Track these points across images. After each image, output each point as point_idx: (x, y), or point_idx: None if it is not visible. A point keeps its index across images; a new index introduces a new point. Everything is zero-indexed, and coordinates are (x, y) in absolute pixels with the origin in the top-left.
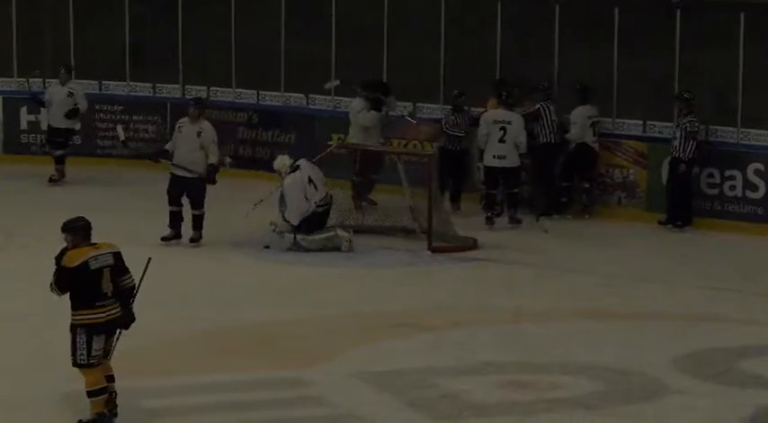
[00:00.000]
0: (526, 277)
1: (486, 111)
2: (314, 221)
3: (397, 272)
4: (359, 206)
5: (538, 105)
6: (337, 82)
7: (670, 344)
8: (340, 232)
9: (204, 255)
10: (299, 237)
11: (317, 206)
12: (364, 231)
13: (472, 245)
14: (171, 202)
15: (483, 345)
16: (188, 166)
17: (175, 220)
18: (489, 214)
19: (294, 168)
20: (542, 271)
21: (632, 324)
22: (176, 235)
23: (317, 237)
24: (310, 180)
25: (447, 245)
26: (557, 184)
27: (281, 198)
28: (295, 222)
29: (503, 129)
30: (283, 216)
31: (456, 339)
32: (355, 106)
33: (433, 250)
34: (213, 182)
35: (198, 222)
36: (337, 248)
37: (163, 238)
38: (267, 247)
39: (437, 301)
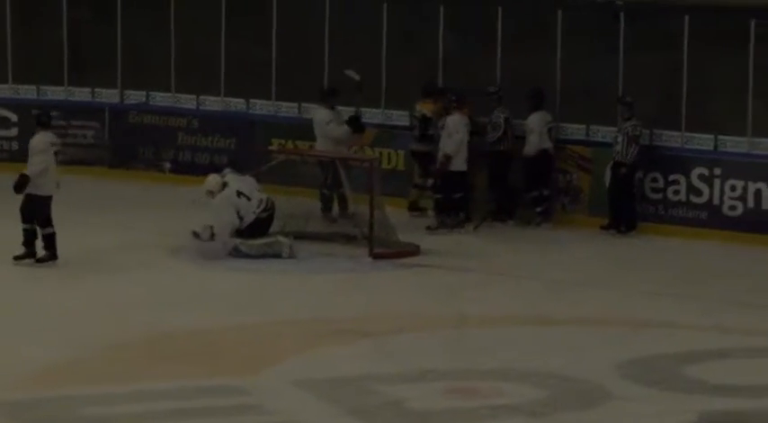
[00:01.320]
0: (470, 283)
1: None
2: (257, 227)
3: (338, 278)
4: (331, 219)
5: (496, 112)
6: (357, 77)
7: (614, 350)
8: (281, 238)
9: (144, 261)
10: (239, 241)
11: (261, 212)
12: (306, 238)
13: (414, 251)
14: (23, 220)
15: (426, 351)
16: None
17: (28, 238)
18: (460, 219)
19: (222, 186)
20: (486, 276)
21: (577, 330)
22: (30, 254)
23: (257, 242)
24: (240, 193)
25: (389, 251)
26: (525, 195)
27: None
28: (225, 238)
29: (470, 133)
30: (212, 229)
31: (399, 346)
32: (323, 117)
33: (375, 256)
34: (16, 191)
35: (47, 242)
36: (278, 255)
37: (15, 258)
38: (195, 234)
39: (379, 308)
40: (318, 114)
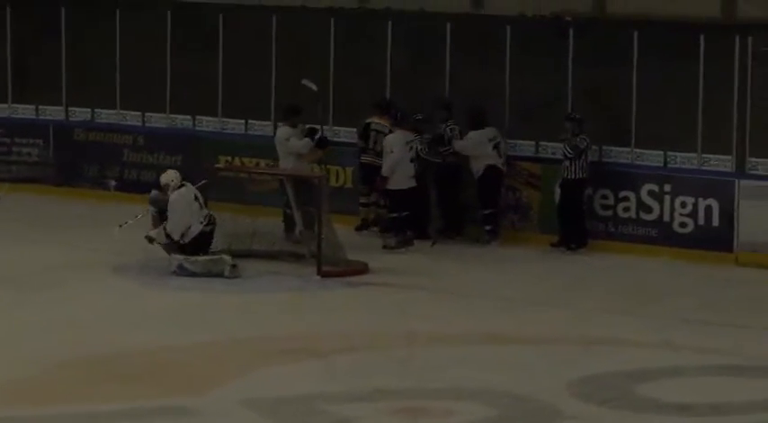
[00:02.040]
0: (419, 301)
1: (390, 132)
2: (201, 241)
3: (286, 297)
4: (294, 240)
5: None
6: (315, 87)
7: (565, 368)
8: (225, 257)
9: (86, 280)
10: (182, 258)
11: (205, 225)
12: (252, 256)
13: (363, 269)
14: None
15: (375, 370)
16: None
17: None
18: (404, 236)
19: (180, 185)
20: (435, 295)
21: (526, 348)
22: None
23: (201, 259)
24: (196, 197)
25: (337, 269)
26: (478, 213)
27: (164, 212)
28: (176, 237)
29: (411, 149)
30: (165, 229)
31: (347, 365)
32: (282, 134)
33: (323, 275)
34: None
35: None
36: (221, 274)
37: None
38: (149, 239)
39: (327, 327)
40: (279, 132)
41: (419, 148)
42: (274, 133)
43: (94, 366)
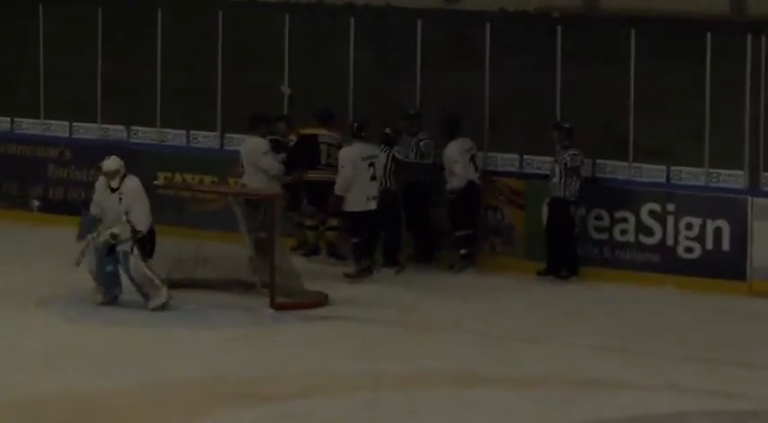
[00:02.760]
0: (386, 337)
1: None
2: (148, 242)
3: (234, 333)
4: (256, 269)
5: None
6: (289, 91)
7: (553, 414)
8: (160, 284)
9: (7, 314)
10: (134, 252)
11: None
12: (196, 286)
13: (322, 300)
14: None
15: (335, 417)
16: None
17: None
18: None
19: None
20: (404, 330)
21: (509, 392)
22: None
23: (145, 269)
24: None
25: (293, 301)
26: (454, 234)
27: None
28: (144, 228)
29: (371, 165)
30: (129, 221)
31: (304, 411)
32: (256, 146)
33: (277, 308)
34: None
35: None
36: (146, 297)
37: None
38: (114, 235)
39: (282, 367)
40: (252, 143)
41: (389, 163)
42: (221, 145)
43: (14, 412)
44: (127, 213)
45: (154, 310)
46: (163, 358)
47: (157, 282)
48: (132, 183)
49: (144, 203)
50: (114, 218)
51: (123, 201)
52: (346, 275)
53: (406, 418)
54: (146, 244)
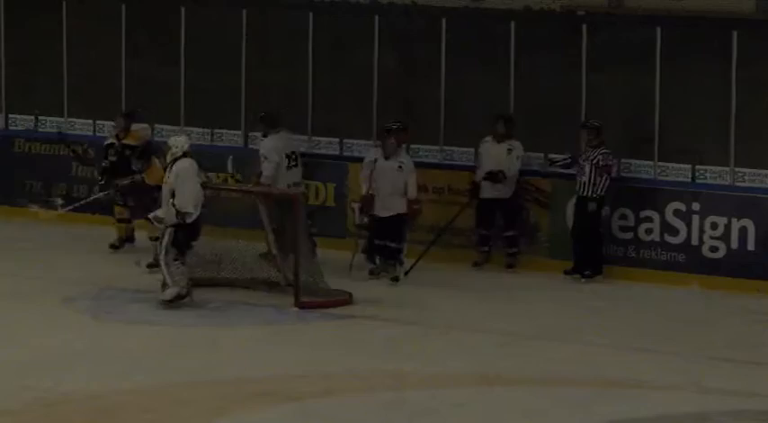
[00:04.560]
0: (409, 336)
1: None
2: (195, 231)
3: (258, 332)
4: (277, 265)
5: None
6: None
7: (576, 414)
8: (175, 288)
9: (30, 311)
10: (168, 258)
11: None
12: (220, 285)
13: (346, 299)
14: None
15: (358, 416)
16: None
17: None
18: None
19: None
20: (428, 329)
21: (532, 391)
22: None
23: (181, 270)
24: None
25: (317, 299)
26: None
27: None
28: (192, 209)
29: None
30: (174, 206)
31: (327, 410)
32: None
33: (301, 306)
34: None
35: None
36: (164, 286)
37: None
38: (157, 219)
39: (305, 366)
40: (269, 142)
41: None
42: (245, 144)
43: (35, 413)
44: (173, 196)
45: (162, 302)
46: (186, 357)
47: (169, 279)
48: (182, 163)
49: (194, 185)
50: (165, 200)
51: (169, 182)
52: (393, 280)
53: (429, 417)
54: (181, 235)
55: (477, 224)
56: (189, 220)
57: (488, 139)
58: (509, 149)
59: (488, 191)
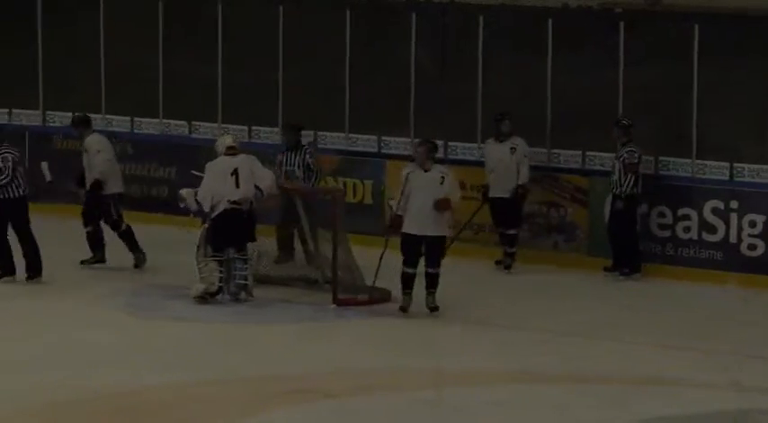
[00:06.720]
0: (447, 334)
1: None
2: (224, 225)
3: (295, 329)
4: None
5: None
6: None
7: (613, 412)
8: (202, 285)
9: (62, 307)
10: (200, 255)
11: (233, 203)
12: (258, 282)
13: (385, 297)
14: None
15: (396, 414)
16: None
17: None
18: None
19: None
20: (467, 327)
21: (570, 388)
22: None
23: (210, 266)
24: (235, 173)
25: (355, 297)
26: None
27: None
28: (205, 206)
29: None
30: (196, 195)
31: (364, 408)
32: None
33: (339, 304)
34: None
35: None
36: (211, 294)
37: None
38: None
39: (342, 363)
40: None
41: None
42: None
43: (64, 409)
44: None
45: (194, 298)
46: (222, 354)
47: (198, 275)
48: (213, 160)
49: (210, 179)
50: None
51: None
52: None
53: (467, 414)
54: (224, 227)
55: (496, 224)
56: (193, 210)
57: (490, 140)
58: (512, 148)
59: (496, 190)
